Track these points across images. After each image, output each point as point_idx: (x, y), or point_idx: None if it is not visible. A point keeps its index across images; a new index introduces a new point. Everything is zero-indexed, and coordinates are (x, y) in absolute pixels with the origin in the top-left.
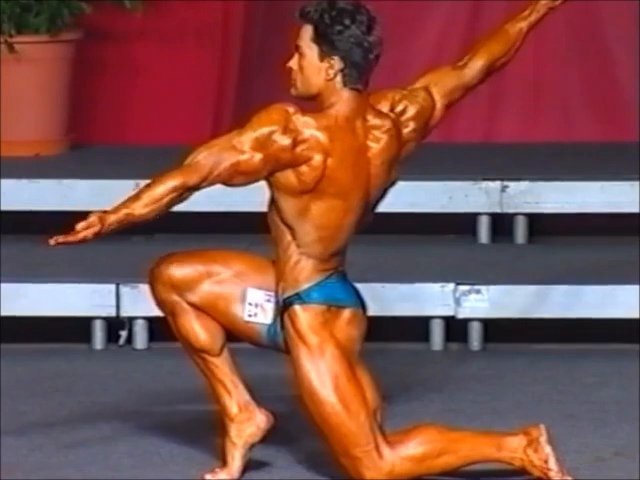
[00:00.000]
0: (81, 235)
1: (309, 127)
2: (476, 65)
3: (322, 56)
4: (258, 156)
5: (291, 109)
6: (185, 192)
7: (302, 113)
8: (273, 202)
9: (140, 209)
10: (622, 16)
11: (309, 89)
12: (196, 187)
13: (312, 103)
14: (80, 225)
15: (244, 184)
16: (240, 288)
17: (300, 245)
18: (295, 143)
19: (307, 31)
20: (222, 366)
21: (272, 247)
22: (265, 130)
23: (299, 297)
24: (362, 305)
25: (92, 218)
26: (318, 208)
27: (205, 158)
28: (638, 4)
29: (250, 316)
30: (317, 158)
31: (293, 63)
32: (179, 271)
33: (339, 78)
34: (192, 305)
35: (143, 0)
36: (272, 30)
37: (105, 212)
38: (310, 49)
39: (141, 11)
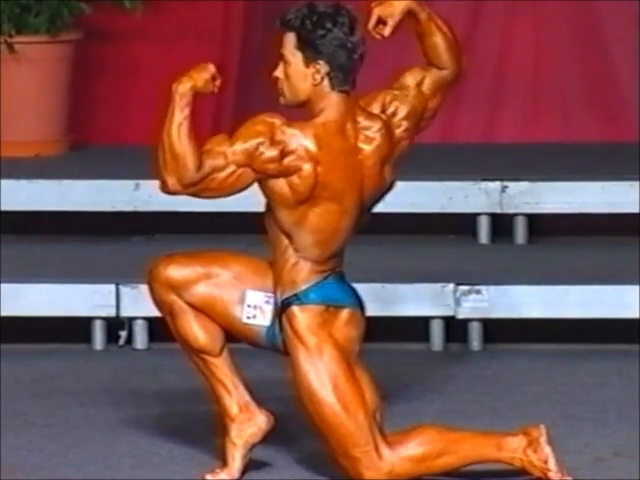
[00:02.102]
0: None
1: (296, 138)
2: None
3: (307, 62)
4: (243, 170)
5: (277, 121)
6: (184, 166)
7: (288, 124)
8: (269, 209)
9: (183, 127)
10: (622, 16)
11: (297, 96)
12: (190, 175)
13: (302, 111)
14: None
15: (225, 196)
16: (239, 290)
17: (297, 249)
18: (283, 155)
19: (290, 39)
20: (222, 367)
21: (270, 248)
22: (252, 142)
23: (297, 298)
24: (360, 305)
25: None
26: (314, 214)
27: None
28: (638, 4)
29: (249, 318)
30: (307, 168)
31: (279, 72)
32: (177, 272)
33: (326, 82)
34: (190, 306)
35: (143, 0)
36: (272, 30)
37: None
38: (294, 56)
39: (141, 11)
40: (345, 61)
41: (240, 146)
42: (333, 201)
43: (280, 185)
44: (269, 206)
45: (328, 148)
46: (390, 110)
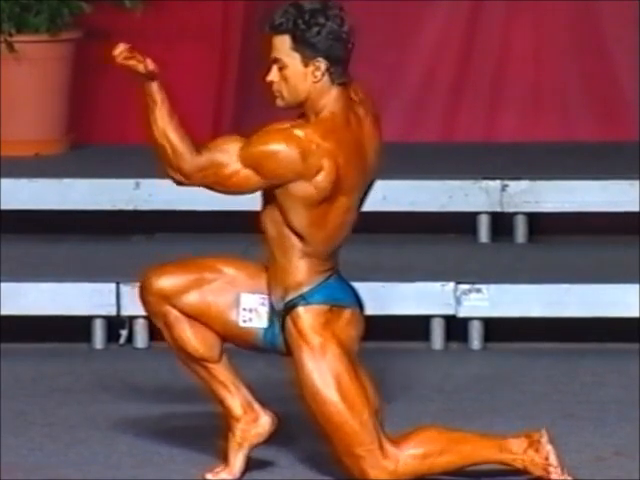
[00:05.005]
0: (133, 59)
1: (312, 138)
2: None
3: (306, 61)
4: (251, 173)
5: (286, 125)
6: (177, 158)
7: (301, 127)
8: (265, 209)
9: (158, 118)
10: (622, 16)
11: (297, 96)
12: (186, 161)
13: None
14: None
15: (233, 194)
16: (232, 294)
17: (307, 248)
18: (303, 157)
19: (283, 41)
20: (223, 370)
21: (268, 249)
22: (268, 148)
23: (303, 298)
24: (360, 305)
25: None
26: (331, 211)
27: (212, 156)
28: (638, 4)
29: (245, 322)
30: (328, 164)
31: (273, 76)
32: (169, 281)
33: (326, 77)
34: (185, 314)
35: (143, 0)
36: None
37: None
38: (292, 58)
39: (141, 11)
40: (342, 53)
41: (253, 152)
42: (344, 195)
43: (304, 187)
44: (266, 206)
45: (340, 141)
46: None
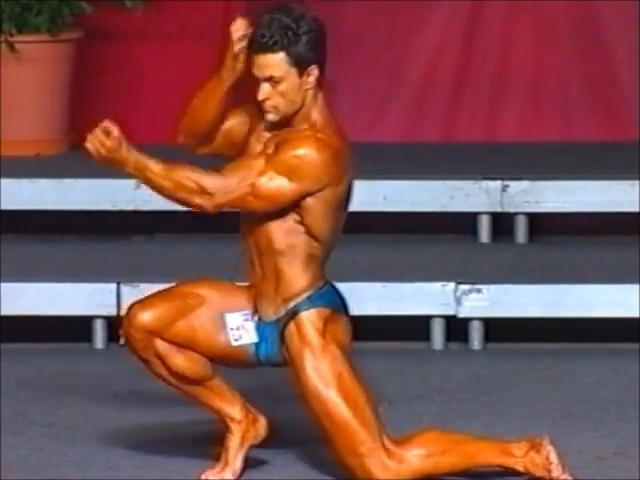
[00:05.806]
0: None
1: (334, 140)
2: None
3: (301, 72)
4: (286, 182)
5: (307, 132)
6: (200, 194)
7: (320, 132)
8: (275, 224)
9: (156, 170)
10: (622, 16)
11: (293, 108)
12: (213, 196)
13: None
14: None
15: (271, 208)
16: (215, 317)
17: (319, 250)
18: (335, 159)
19: (277, 58)
20: (218, 383)
21: (265, 260)
22: (301, 154)
23: (310, 301)
24: (348, 313)
25: (114, 142)
26: (344, 211)
27: (234, 177)
28: (638, 4)
29: (237, 340)
30: (350, 163)
31: (267, 94)
32: (155, 316)
33: (316, 83)
34: (172, 344)
35: (143, 0)
36: None
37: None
38: (289, 73)
39: (141, 10)
40: (324, 56)
41: (286, 164)
42: (346, 193)
43: (335, 190)
44: (270, 222)
45: (345, 140)
46: None
